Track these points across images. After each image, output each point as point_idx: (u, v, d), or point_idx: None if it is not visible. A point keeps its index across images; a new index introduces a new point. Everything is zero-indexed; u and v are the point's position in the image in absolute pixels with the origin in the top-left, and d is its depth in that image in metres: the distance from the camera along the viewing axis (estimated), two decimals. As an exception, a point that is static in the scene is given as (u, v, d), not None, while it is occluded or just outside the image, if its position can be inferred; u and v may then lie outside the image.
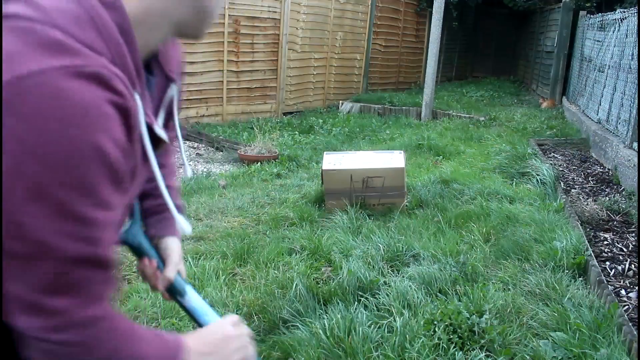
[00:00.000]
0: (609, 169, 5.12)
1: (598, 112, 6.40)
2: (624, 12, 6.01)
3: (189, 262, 2.93)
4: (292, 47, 9.06)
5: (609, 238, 3.35)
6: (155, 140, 0.88)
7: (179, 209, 1.18)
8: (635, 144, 4.64)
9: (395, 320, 2.26)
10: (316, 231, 3.45)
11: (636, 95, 4.85)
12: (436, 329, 2.19)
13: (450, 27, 12.57)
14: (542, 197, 4.15)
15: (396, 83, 12.11)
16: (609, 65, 6.27)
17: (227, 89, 8.13)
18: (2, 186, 0.68)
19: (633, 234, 3.41)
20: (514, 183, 4.64)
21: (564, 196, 4.13)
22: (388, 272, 2.84)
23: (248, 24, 8.17)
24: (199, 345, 0.93)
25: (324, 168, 3.86)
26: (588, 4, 9.51)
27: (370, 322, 2.28)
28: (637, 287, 2.71)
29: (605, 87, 6.27)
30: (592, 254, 2.96)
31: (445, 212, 3.76)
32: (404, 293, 2.49)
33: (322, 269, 2.89)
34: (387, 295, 2.49)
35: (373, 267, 2.84)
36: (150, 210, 1.16)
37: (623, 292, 2.68)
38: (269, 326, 2.37)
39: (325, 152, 4.19)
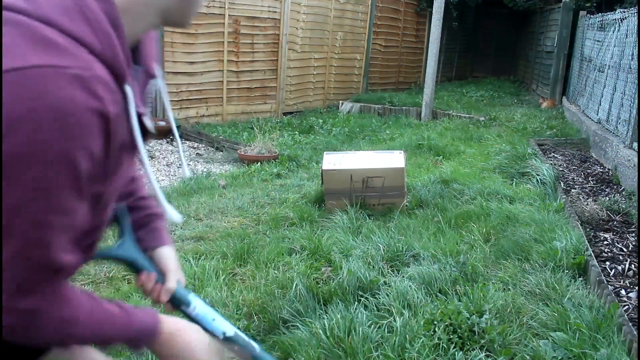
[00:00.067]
0: (609, 169, 5.12)
1: (598, 112, 6.40)
2: (624, 12, 6.01)
3: (189, 262, 2.93)
4: (292, 47, 9.06)
5: (609, 238, 3.35)
6: (143, 131, 0.88)
7: (161, 217, 1.18)
8: (635, 144, 4.64)
9: (395, 320, 2.26)
10: (316, 231, 3.45)
11: (636, 95, 4.85)
12: (436, 329, 2.19)
13: (450, 27, 12.57)
14: (542, 197, 4.15)
15: (396, 83, 12.12)
16: (609, 65, 6.27)
17: (227, 89, 8.13)
18: None
19: (633, 234, 3.41)
20: (514, 183, 4.64)
21: (564, 196, 4.13)
22: (388, 272, 2.84)
23: (248, 24, 8.17)
24: (172, 324, 1.00)
25: (324, 168, 3.86)
26: (588, 4, 9.51)
27: (370, 322, 2.28)
28: (637, 287, 2.71)
29: (605, 87, 6.27)
30: (592, 254, 2.96)
31: (445, 212, 3.76)
32: (404, 293, 2.49)
33: (322, 269, 2.89)
34: (387, 295, 2.49)
35: (373, 267, 2.84)
36: (138, 223, 1.14)
37: (623, 292, 2.68)
38: (269, 326, 2.37)
39: (325, 152, 4.19)
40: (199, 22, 7.51)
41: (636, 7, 5.54)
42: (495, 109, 9.34)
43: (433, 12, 8.53)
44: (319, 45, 9.74)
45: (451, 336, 2.17)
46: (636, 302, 2.56)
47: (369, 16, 10.69)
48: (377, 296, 2.50)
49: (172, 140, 7.03)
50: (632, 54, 5.29)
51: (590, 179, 4.84)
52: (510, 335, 2.22)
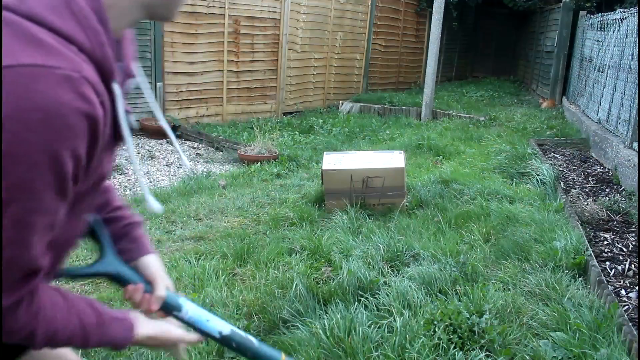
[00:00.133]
0: (609, 169, 5.12)
1: (598, 112, 6.40)
2: (624, 12, 6.01)
3: (189, 262, 2.93)
4: (292, 47, 9.06)
5: (609, 238, 3.35)
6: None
7: (139, 225, 1.16)
8: (635, 144, 4.64)
9: (395, 320, 2.26)
10: (316, 231, 3.45)
11: (636, 95, 4.86)
12: (436, 329, 2.19)
13: (450, 27, 12.57)
14: (542, 197, 4.15)
15: (396, 83, 12.12)
16: (609, 65, 6.27)
17: (227, 89, 8.13)
18: None
19: (633, 234, 3.41)
20: (514, 183, 4.64)
21: (564, 196, 4.13)
22: (388, 272, 2.84)
23: (248, 24, 8.17)
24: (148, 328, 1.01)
25: (324, 168, 3.86)
26: (588, 4, 9.51)
27: (370, 322, 2.28)
28: (637, 287, 2.71)
29: (605, 87, 6.27)
30: (592, 254, 2.96)
31: (445, 212, 3.76)
32: (404, 293, 2.49)
33: (322, 269, 2.89)
34: (387, 295, 2.49)
35: (373, 267, 2.84)
36: (118, 235, 1.12)
37: (623, 292, 2.68)
38: (269, 326, 2.37)
39: (325, 152, 4.19)
40: (199, 22, 7.51)
41: (636, 7, 5.54)
42: (495, 109, 9.34)
43: (433, 12, 8.53)
44: (319, 45, 9.74)
45: (451, 336, 2.17)
46: (636, 302, 2.56)
47: (369, 16, 10.69)
48: (377, 296, 2.50)
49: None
50: (632, 54, 5.29)
51: (590, 179, 4.84)
52: (510, 335, 2.22)
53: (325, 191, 3.91)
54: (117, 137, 0.85)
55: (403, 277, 2.72)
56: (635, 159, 4.36)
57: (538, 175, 4.60)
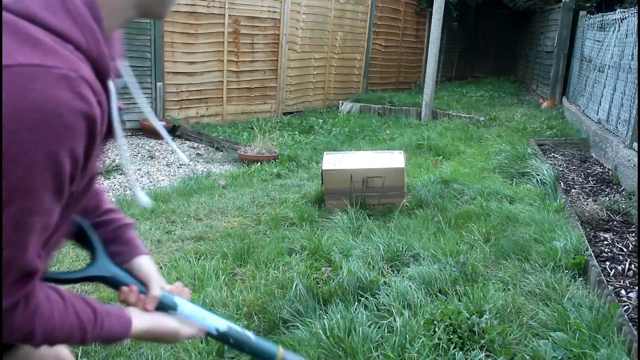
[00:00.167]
0: (609, 169, 5.12)
1: (598, 112, 6.40)
2: (624, 12, 6.01)
3: (189, 262, 2.93)
4: (292, 47, 9.06)
5: (609, 238, 3.35)
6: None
7: (130, 227, 1.17)
8: (635, 144, 4.64)
9: (395, 320, 2.26)
10: (316, 231, 3.45)
11: (636, 95, 4.86)
12: (436, 329, 2.19)
13: (450, 27, 12.57)
14: (542, 197, 4.15)
15: (396, 83, 12.12)
16: (609, 65, 6.28)
17: (227, 89, 8.13)
18: None
19: (633, 234, 3.41)
20: (514, 183, 4.64)
21: (564, 196, 4.13)
22: (388, 272, 2.84)
23: (248, 24, 8.17)
24: (143, 322, 1.02)
25: (324, 168, 3.86)
26: (588, 4, 9.51)
27: (370, 322, 2.28)
28: (637, 287, 2.71)
29: (605, 87, 6.27)
30: (592, 254, 2.96)
31: (445, 212, 3.76)
32: (404, 293, 2.49)
33: (322, 269, 2.89)
34: (387, 295, 2.49)
35: (373, 267, 2.84)
36: (109, 238, 1.12)
37: (623, 292, 2.68)
38: (269, 326, 2.37)
39: (325, 152, 4.19)
40: (199, 22, 7.51)
41: (636, 7, 5.54)
42: (495, 109, 9.34)
43: (433, 12, 8.53)
44: (319, 45, 9.74)
45: (451, 336, 2.17)
46: (636, 302, 2.56)
47: (369, 16, 10.69)
48: (377, 296, 2.50)
49: (172, 140, 7.03)
50: (632, 54, 5.29)
51: (590, 179, 4.84)
52: (510, 335, 2.22)
53: (325, 191, 3.91)
54: (108, 134, 0.85)
55: (403, 277, 2.72)
56: (635, 159, 4.36)
57: (538, 175, 4.60)
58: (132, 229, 1.17)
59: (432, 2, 8.56)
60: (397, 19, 11.64)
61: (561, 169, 5.19)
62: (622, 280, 2.80)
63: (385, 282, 2.65)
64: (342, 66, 10.39)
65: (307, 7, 9.21)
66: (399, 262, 2.96)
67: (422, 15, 12.24)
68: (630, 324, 2.24)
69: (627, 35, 5.66)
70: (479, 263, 2.90)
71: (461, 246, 3.17)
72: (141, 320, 1.01)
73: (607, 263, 2.98)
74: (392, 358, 2.05)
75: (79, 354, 2.02)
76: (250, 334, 1.16)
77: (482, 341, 2.16)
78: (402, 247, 3.07)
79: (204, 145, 6.91)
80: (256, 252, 3.08)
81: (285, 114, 9.12)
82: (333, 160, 3.93)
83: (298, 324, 2.30)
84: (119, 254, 1.11)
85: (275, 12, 8.54)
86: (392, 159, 3.93)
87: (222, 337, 1.13)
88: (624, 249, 3.18)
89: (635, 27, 5.33)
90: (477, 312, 2.30)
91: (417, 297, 2.47)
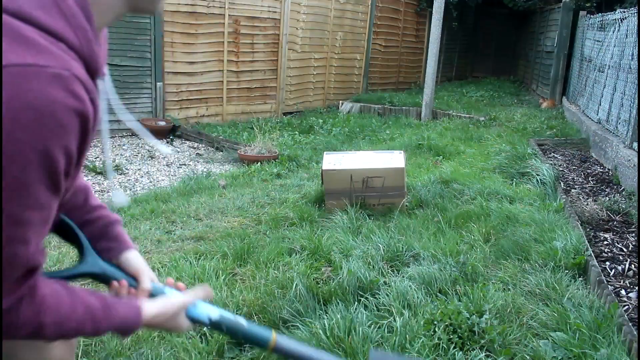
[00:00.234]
0: (609, 169, 5.12)
1: (598, 112, 6.40)
2: (624, 12, 6.01)
3: (189, 262, 2.93)
4: (292, 47, 9.07)
5: (609, 238, 3.35)
6: None
7: (118, 222, 1.18)
8: (635, 144, 4.64)
9: (395, 320, 2.26)
10: (316, 231, 3.45)
11: (636, 95, 4.86)
12: (436, 329, 2.19)
13: (450, 27, 12.58)
14: (542, 197, 4.15)
15: (396, 83, 12.12)
16: (609, 65, 6.28)
17: (227, 89, 8.13)
18: None
19: (633, 234, 3.41)
20: (514, 183, 4.64)
21: (564, 196, 4.13)
22: (388, 272, 2.84)
23: (248, 24, 8.17)
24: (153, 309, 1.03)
25: (324, 168, 3.86)
26: (588, 4, 9.51)
27: (370, 322, 2.28)
28: (637, 287, 2.71)
29: (605, 87, 6.27)
30: (592, 254, 2.96)
31: (445, 212, 3.76)
32: (404, 293, 2.49)
33: (322, 269, 2.89)
34: (387, 295, 2.49)
35: (373, 267, 2.84)
36: (97, 235, 1.14)
37: (623, 292, 2.68)
38: (269, 326, 2.37)
39: (325, 152, 4.19)
40: (199, 22, 7.51)
41: (636, 7, 5.54)
42: (495, 109, 9.34)
43: (433, 12, 8.53)
44: (319, 45, 9.74)
45: (451, 336, 2.17)
46: (636, 302, 2.56)
47: (369, 16, 10.69)
48: (377, 296, 2.50)
49: (172, 140, 7.03)
50: (632, 54, 5.29)
51: (590, 179, 4.84)
52: (510, 335, 2.22)
53: (325, 191, 3.91)
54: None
55: (403, 277, 2.72)
56: (635, 159, 4.36)
57: (538, 175, 4.60)
58: (119, 225, 1.19)
59: (432, 2, 8.56)
60: (397, 19, 11.65)
61: (561, 169, 5.19)
62: (622, 280, 2.80)
63: (385, 282, 2.65)
64: (342, 66, 10.39)
65: (307, 7, 9.21)
66: (399, 262, 2.96)
67: (422, 15, 12.25)
68: (630, 324, 2.24)
69: (627, 35, 5.66)
70: (479, 263, 2.89)
71: (461, 246, 3.17)
72: (150, 305, 1.03)
73: (607, 263, 2.98)
74: (392, 358, 2.04)
75: (79, 354, 2.03)
76: (243, 321, 1.17)
77: (482, 341, 2.15)
78: (402, 247, 3.07)
79: (204, 145, 6.91)
80: (256, 252, 3.08)
81: (285, 114, 9.12)
82: (333, 160, 3.93)
83: (298, 324, 2.30)
84: (108, 250, 1.13)
85: (275, 12, 8.54)
86: (392, 159, 3.93)
87: (215, 325, 1.14)
88: (624, 249, 3.18)
89: (635, 27, 5.33)
90: (477, 312, 2.30)
91: (417, 297, 2.47)
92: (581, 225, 3.46)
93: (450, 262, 2.88)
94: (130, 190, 4.93)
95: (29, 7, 0.71)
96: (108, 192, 4.83)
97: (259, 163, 5.58)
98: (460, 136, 6.97)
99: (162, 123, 7.18)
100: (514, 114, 8.77)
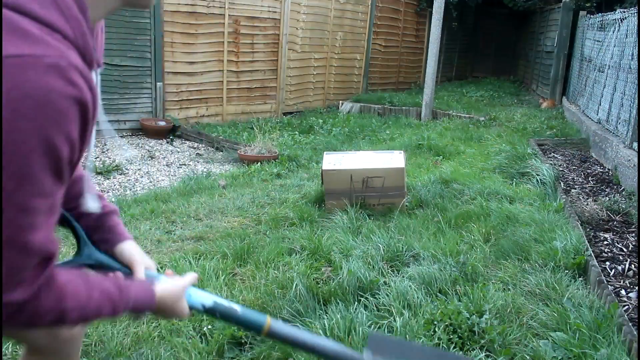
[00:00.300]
0: (609, 169, 5.12)
1: (598, 112, 6.40)
2: (624, 12, 6.01)
3: (189, 262, 2.93)
4: (292, 47, 9.07)
5: (609, 238, 3.35)
6: None
7: (114, 213, 1.21)
8: (635, 144, 4.64)
9: (395, 320, 2.26)
10: (316, 231, 3.45)
11: (636, 95, 4.86)
12: (436, 329, 2.19)
13: (450, 27, 12.58)
14: (542, 197, 4.15)
15: (396, 83, 12.12)
16: (609, 65, 6.28)
17: (227, 89, 8.13)
18: None
19: (633, 234, 3.41)
20: (514, 183, 4.64)
21: (564, 196, 4.13)
22: (388, 272, 2.84)
23: (248, 24, 8.17)
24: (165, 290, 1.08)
25: (324, 168, 3.86)
26: (588, 4, 9.51)
27: (370, 322, 2.28)
28: (637, 287, 2.71)
29: (605, 87, 6.27)
30: (592, 254, 2.96)
31: (445, 212, 3.76)
32: (404, 293, 2.49)
33: (322, 269, 2.89)
34: (387, 295, 2.49)
35: (373, 267, 2.84)
36: (93, 226, 1.16)
37: (623, 292, 2.68)
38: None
39: (325, 152, 4.19)
40: (199, 22, 7.51)
41: (636, 7, 5.54)
42: (495, 109, 9.34)
43: (433, 12, 8.53)
44: (319, 45, 9.74)
45: (451, 336, 2.17)
46: (636, 302, 2.56)
47: (369, 16, 10.69)
48: (377, 296, 2.50)
49: (172, 140, 7.03)
50: (632, 54, 5.29)
51: (590, 179, 4.84)
52: (510, 335, 2.22)
53: (325, 191, 3.91)
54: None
55: (403, 277, 2.72)
56: (635, 159, 4.36)
57: (538, 175, 4.60)
58: (115, 215, 1.21)
59: (432, 2, 8.56)
60: (397, 19, 11.65)
61: (561, 169, 5.19)
62: (622, 280, 2.80)
63: (385, 282, 2.65)
64: (342, 66, 10.39)
65: (307, 7, 9.21)
66: (399, 262, 2.96)
67: (422, 15, 12.25)
68: (630, 324, 2.24)
69: (627, 35, 5.66)
70: (479, 263, 2.90)
71: (461, 246, 3.17)
72: (160, 285, 1.07)
73: (607, 263, 2.98)
74: (392, 358, 2.04)
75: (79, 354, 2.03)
76: (237, 307, 1.20)
77: (482, 341, 2.16)
78: (402, 247, 3.07)
79: (204, 145, 6.91)
80: (256, 252, 3.08)
81: (285, 114, 9.12)
82: (333, 160, 3.93)
83: (298, 324, 2.30)
84: (105, 242, 1.15)
85: (275, 12, 8.54)
86: (392, 159, 3.93)
87: (209, 312, 1.19)
88: (624, 249, 3.18)
89: (635, 27, 5.33)
90: (477, 312, 2.30)
91: (417, 297, 2.47)
92: (581, 225, 3.46)
93: (450, 262, 2.88)
94: (130, 190, 4.93)
95: (24, 1, 0.73)
96: (108, 192, 4.83)
97: (259, 163, 5.58)
98: (460, 136, 6.98)
99: (162, 123, 7.18)
100: (514, 114, 8.77)
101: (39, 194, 0.74)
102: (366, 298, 2.49)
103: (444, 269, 2.78)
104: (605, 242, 3.30)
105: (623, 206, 3.84)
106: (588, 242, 3.16)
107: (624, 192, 4.34)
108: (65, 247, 2.95)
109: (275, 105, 8.96)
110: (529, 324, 2.33)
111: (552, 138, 6.72)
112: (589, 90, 7.29)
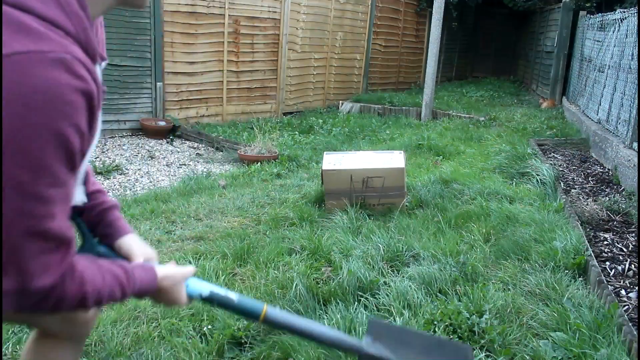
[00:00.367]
0: (609, 169, 5.12)
1: (598, 112, 6.40)
2: (624, 12, 6.01)
3: (189, 262, 2.93)
4: (292, 47, 9.07)
5: (609, 238, 3.35)
6: None
7: (115, 208, 1.24)
8: (635, 144, 4.64)
9: (395, 320, 2.26)
10: (316, 231, 3.45)
11: (636, 95, 4.86)
12: (436, 329, 2.19)
13: (450, 27, 12.58)
14: (542, 197, 4.14)
15: (396, 83, 12.12)
16: (608, 65, 6.28)
17: (227, 89, 8.13)
18: None
19: (633, 234, 3.41)
20: (514, 183, 4.64)
21: (564, 196, 4.13)
22: (388, 272, 2.84)
23: (248, 24, 8.17)
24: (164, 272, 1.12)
25: (324, 168, 3.86)
26: (588, 4, 9.51)
27: (370, 322, 2.28)
28: (637, 287, 2.71)
29: (605, 87, 6.27)
30: (592, 254, 2.96)
31: (445, 212, 3.76)
32: (404, 293, 2.49)
33: (322, 269, 2.89)
34: (387, 295, 2.49)
35: (373, 267, 2.84)
36: (94, 222, 1.19)
37: (623, 292, 2.68)
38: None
39: (325, 152, 4.19)
40: (199, 22, 7.52)
41: (636, 7, 5.54)
42: (495, 109, 9.34)
43: (433, 12, 8.53)
44: (319, 45, 9.74)
45: (451, 336, 2.17)
46: (636, 302, 2.56)
47: (369, 16, 10.69)
48: (377, 296, 2.50)
49: (172, 140, 7.03)
50: (632, 54, 5.29)
51: (590, 179, 4.84)
52: (510, 335, 2.22)
53: (325, 191, 3.91)
54: None
55: (403, 277, 2.72)
56: (635, 159, 4.36)
57: (538, 175, 4.60)
58: (116, 210, 1.24)
59: (432, 2, 8.56)
60: (397, 19, 11.65)
61: (561, 169, 5.19)
62: (622, 280, 2.80)
63: (385, 282, 2.65)
64: (342, 66, 10.39)
65: (307, 7, 9.21)
66: (399, 262, 2.96)
67: (422, 15, 12.25)
68: (630, 324, 2.24)
69: (627, 35, 5.66)
70: (479, 263, 2.89)
71: (461, 246, 3.17)
72: (160, 268, 1.12)
73: (607, 263, 2.98)
74: (392, 358, 2.04)
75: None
76: (233, 296, 1.23)
77: (482, 341, 2.16)
78: (402, 247, 3.07)
79: (204, 145, 6.91)
80: (256, 252, 3.08)
81: (285, 114, 9.12)
82: (333, 161, 3.93)
83: (298, 324, 2.30)
84: (106, 236, 1.19)
85: (275, 12, 8.54)
86: (392, 159, 3.93)
87: (206, 300, 1.22)
88: (624, 249, 3.18)
89: (635, 27, 5.33)
90: (477, 312, 2.30)
91: (417, 297, 2.47)
92: (581, 225, 3.46)
93: (450, 262, 2.88)
94: (130, 190, 4.93)
95: None
96: (108, 192, 4.83)
97: (259, 163, 5.58)
98: (460, 136, 6.98)
99: (162, 123, 7.18)
100: (514, 114, 8.77)
101: (54, 185, 0.77)
102: (366, 298, 2.49)
103: (444, 269, 2.78)
104: (605, 242, 3.30)
105: (623, 206, 3.84)
106: (588, 242, 3.16)
107: (624, 192, 4.34)
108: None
109: (275, 105, 8.96)
110: (529, 324, 2.33)
111: (552, 138, 6.72)
112: (589, 90, 7.29)
